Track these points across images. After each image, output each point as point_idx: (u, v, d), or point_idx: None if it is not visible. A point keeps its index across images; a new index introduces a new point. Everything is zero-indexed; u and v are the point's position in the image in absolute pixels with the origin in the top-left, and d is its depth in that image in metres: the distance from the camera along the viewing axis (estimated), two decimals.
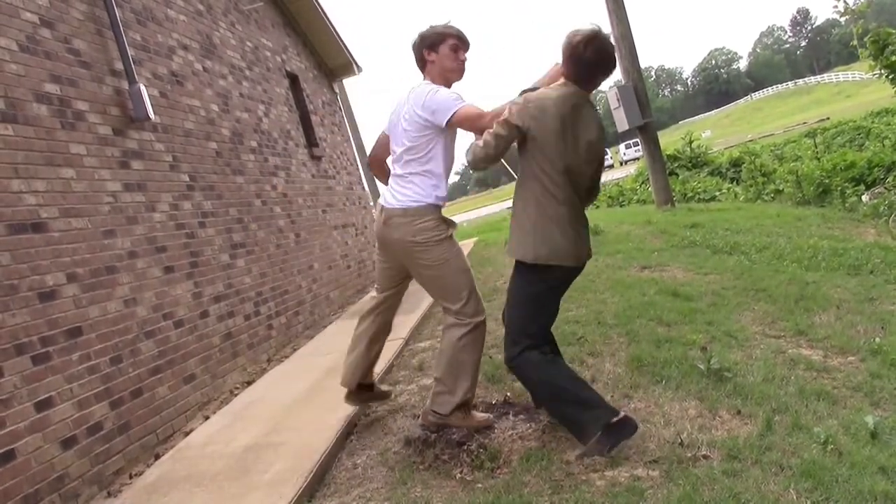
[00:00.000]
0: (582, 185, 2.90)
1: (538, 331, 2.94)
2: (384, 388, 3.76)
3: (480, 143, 2.82)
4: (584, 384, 2.92)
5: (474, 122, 2.91)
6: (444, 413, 2.98)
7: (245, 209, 5.96)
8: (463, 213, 35.80)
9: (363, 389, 3.49)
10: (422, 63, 3.11)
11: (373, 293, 3.45)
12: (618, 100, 10.77)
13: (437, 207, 3.02)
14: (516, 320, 2.95)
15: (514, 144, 2.87)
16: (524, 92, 2.88)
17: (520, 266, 2.93)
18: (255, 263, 5.86)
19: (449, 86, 3.08)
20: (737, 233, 8.43)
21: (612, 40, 3.26)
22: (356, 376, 3.38)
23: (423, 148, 2.98)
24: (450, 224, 3.06)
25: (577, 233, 2.88)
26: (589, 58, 2.73)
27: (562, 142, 2.75)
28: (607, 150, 56.06)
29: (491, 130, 2.79)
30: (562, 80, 2.84)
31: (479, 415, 3.16)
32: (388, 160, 3.27)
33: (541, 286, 2.90)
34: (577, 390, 2.83)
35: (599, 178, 3.08)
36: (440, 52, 3.05)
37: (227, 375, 4.95)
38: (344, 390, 3.45)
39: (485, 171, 3.12)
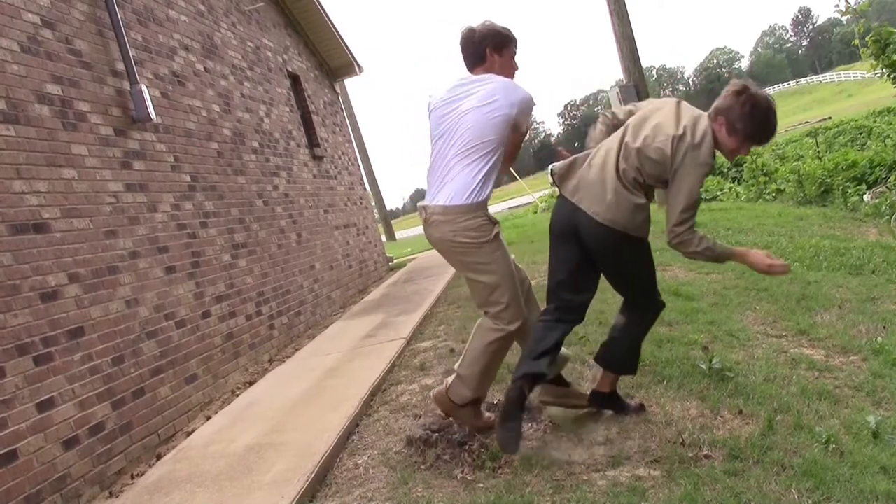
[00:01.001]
0: (623, 157, 2.82)
1: (548, 286, 2.96)
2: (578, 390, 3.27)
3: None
4: (533, 347, 2.85)
5: (517, 144, 2.98)
6: (458, 403, 2.94)
7: (247, 209, 5.97)
8: None
9: (553, 384, 3.16)
10: (478, 59, 2.93)
11: None
12: (619, 99, 10.77)
13: (482, 204, 2.81)
14: None
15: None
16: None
17: None
18: (256, 263, 5.86)
19: None
20: (738, 232, 8.42)
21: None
22: None
23: (496, 143, 2.80)
24: (495, 223, 2.86)
25: (595, 181, 2.80)
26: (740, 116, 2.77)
27: (637, 119, 2.86)
28: None
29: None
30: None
31: (488, 415, 3.14)
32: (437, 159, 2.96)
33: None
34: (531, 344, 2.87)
35: (672, 204, 2.74)
36: (504, 55, 2.95)
37: (228, 375, 4.96)
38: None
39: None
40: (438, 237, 2.85)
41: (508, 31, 2.99)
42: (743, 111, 2.65)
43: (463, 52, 2.98)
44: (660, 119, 2.78)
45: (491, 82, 2.83)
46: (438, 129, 2.90)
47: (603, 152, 2.86)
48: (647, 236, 2.84)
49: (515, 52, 3.02)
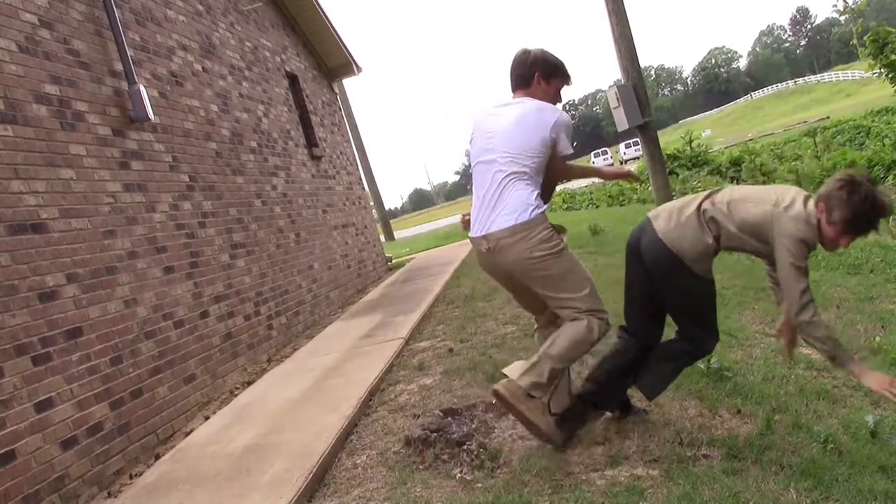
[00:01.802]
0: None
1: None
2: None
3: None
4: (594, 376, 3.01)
5: (562, 168, 2.91)
6: (534, 394, 2.74)
7: (245, 209, 5.96)
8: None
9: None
10: (524, 81, 2.91)
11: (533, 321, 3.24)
12: (617, 99, 10.75)
13: (544, 216, 2.75)
14: None
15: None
16: None
17: None
18: (255, 263, 5.86)
19: None
20: None
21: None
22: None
23: (537, 165, 2.77)
24: (560, 231, 2.81)
25: (672, 206, 2.88)
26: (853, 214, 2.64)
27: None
28: (607, 150, 54.83)
29: None
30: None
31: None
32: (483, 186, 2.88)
33: None
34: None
35: (783, 279, 2.64)
36: (551, 84, 2.92)
37: (227, 375, 4.95)
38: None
39: None
40: (514, 260, 2.73)
41: (562, 63, 2.95)
42: (841, 199, 2.56)
43: (511, 72, 2.94)
44: (768, 188, 2.81)
45: (524, 104, 2.81)
46: (480, 155, 2.87)
47: (693, 195, 2.92)
48: (704, 275, 2.79)
49: (563, 86, 2.97)
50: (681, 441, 2.78)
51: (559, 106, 2.97)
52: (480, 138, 2.89)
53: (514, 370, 2.80)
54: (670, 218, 2.79)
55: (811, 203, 2.64)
